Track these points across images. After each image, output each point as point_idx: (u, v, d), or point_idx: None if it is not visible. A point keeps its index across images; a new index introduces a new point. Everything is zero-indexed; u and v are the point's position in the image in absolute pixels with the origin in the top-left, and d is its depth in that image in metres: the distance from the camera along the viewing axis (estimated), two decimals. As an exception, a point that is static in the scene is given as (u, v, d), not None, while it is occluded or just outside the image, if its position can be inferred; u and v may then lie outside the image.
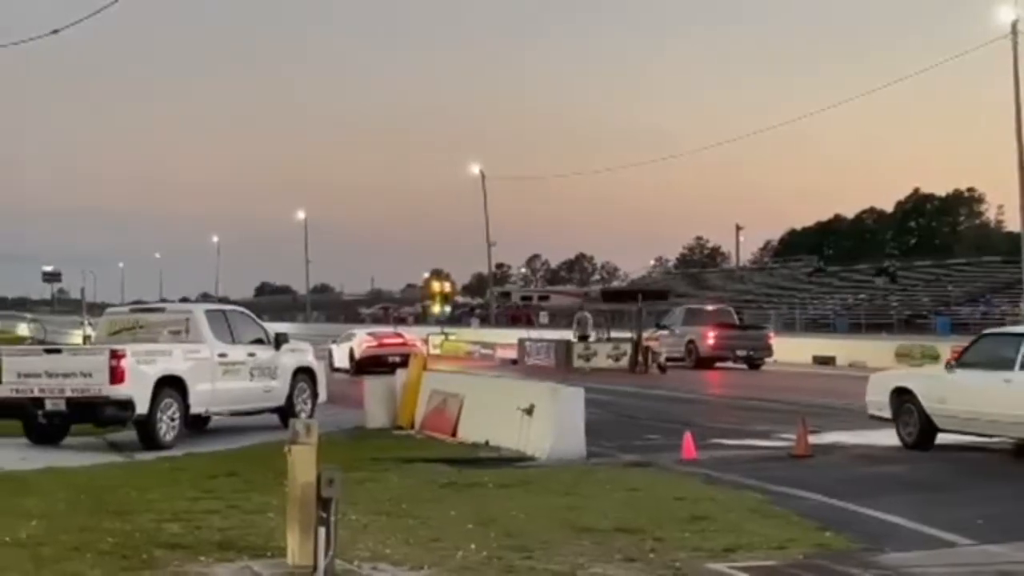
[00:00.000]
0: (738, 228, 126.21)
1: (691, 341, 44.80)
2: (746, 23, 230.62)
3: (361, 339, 42.46)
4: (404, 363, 37.03)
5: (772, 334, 47.08)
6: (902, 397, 18.60)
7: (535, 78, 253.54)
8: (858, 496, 13.49)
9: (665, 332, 45.75)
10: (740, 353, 44.47)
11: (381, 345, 41.92)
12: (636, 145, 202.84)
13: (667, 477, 15.32)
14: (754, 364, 44.32)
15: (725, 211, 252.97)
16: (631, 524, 11.72)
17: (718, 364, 43.90)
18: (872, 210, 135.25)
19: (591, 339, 45.53)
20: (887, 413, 18.91)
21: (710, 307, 51.27)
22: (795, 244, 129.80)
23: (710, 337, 44.38)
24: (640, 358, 41.49)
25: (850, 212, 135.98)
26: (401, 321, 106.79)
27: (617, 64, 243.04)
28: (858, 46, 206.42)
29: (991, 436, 17.64)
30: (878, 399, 19.16)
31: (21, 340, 70.32)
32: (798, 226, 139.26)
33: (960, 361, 18.09)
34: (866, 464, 17.03)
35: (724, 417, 24.13)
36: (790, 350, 48.05)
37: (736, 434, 20.69)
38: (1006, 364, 16.85)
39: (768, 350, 44.99)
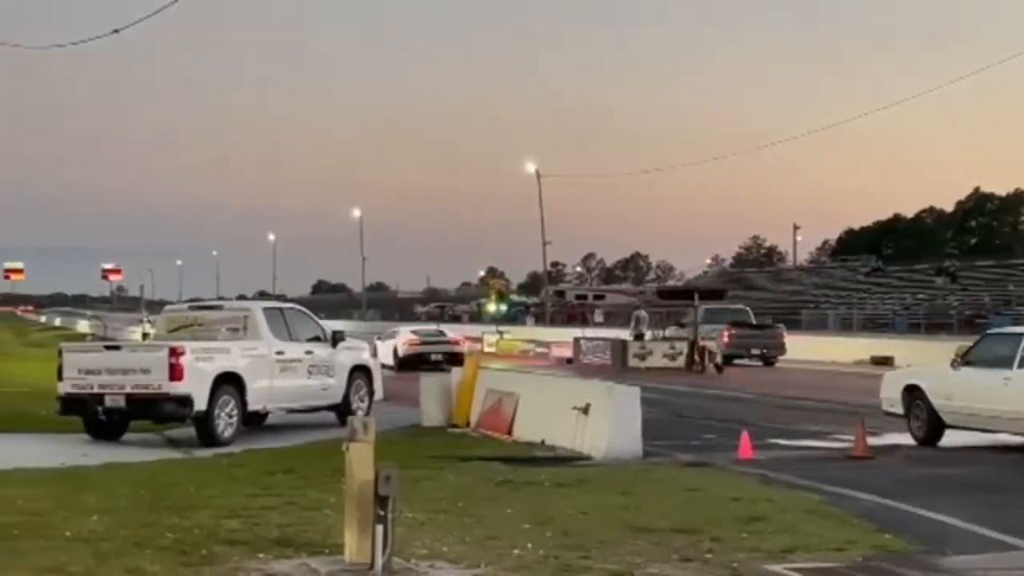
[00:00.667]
0: (795, 227, 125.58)
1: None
2: (804, 24, 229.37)
3: (405, 337, 42.80)
4: (447, 360, 39.48)
5: (785, 333, 48.34)
6: (913, 394, 19.34)
7: (592, 76, 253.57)
8: (916, 498, 13.38)
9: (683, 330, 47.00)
10: (754, 351, 46.35)
11: (424, 343, 42.49)
12: (693, 144, 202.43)
13: (724, 477, 15.25)
14: (768, 361, 45.80)
15: (782, 210, 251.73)
16: (688, 524, 11.68)
17: (736, 361, 44.88)
18: (931, 209, 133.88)
19: (647, 338, 45.44)
20: (899, 409, 19.63)
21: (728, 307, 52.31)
22: (853, 244, 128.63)
23: (725, 336, 45.71)
24: (696, 357, 41.34)
25: (909, 211, 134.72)
26: (456, 319, 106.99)
27: (676, 63, 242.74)
28: (918, 45, 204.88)
29: (993, 431, 18.25)
30: (891, 396, 19.96)
31: (81, 337, 71.07)
32: (856, 225, 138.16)
33: (965, 359, 18.77)
34: (924, 466, 16.90)
35: (781, 417, 23.99)
36: (848, 350, 47.76)
37: (793, 434, 20.59)
38: (1006, 362, 17.71)
39: (781, 348, 46.45)
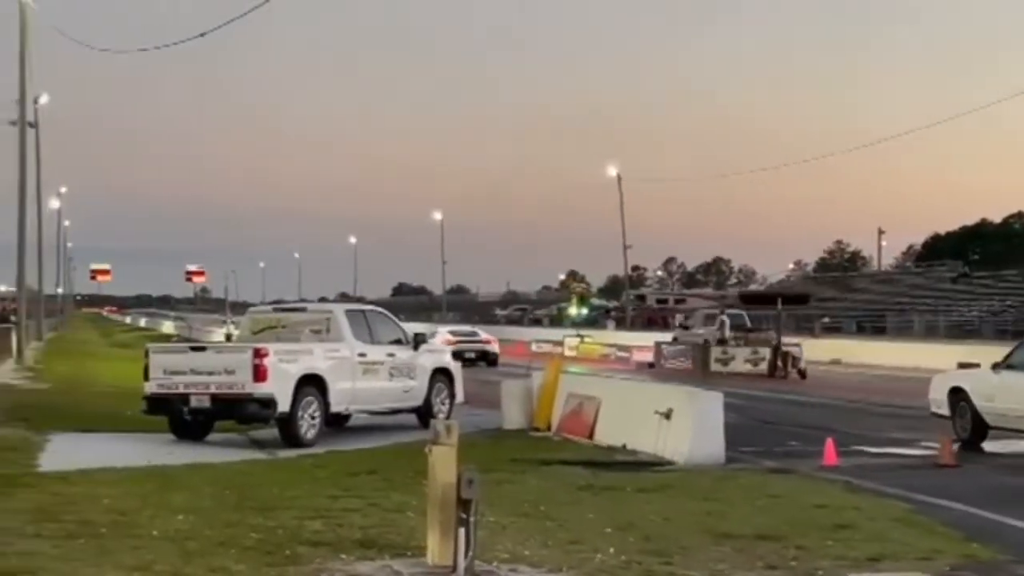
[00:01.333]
0: (880, 232, 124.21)
1: (707, 341, 47.82)
2: (888, 30, 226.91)
3: (442, 336, 44.37)
4: (479, 358, 46.10)
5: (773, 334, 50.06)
6: (958, 396, 19.94)
7: (674, 81, 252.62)
8: (1005, 507, 13.19)
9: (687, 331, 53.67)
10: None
11: (460, 342, 45.68)
12: (777, 147, 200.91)
13: (808, 484, 15.10)
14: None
15: (867, 215, 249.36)
16: (772, 531, 11.57)
17: None
18: (1020, 214, 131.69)
19: (729, 343, 45.20)
20: (945, 411, 20.23)
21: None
22: (939, 249, 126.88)
23: (728, 332, 48.49)
24: (779, 362, 41.03)
25: (997, 216, 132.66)
26: (536, 323, 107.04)
27: (759, 65, 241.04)
28: (1001, 49, 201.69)
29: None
30: (938, 397, 20.64)
31: (166, 337, 71.91)
32: (942, 230, 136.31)
33: (1006, 363, 19.30)
34: (1012, 474, 16.65)
35: (865, 423, 23.73)
36: (933, 356, 47.04)
37: (878, 441, 20.35)
38: None
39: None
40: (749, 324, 52.66)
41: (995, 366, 19.36)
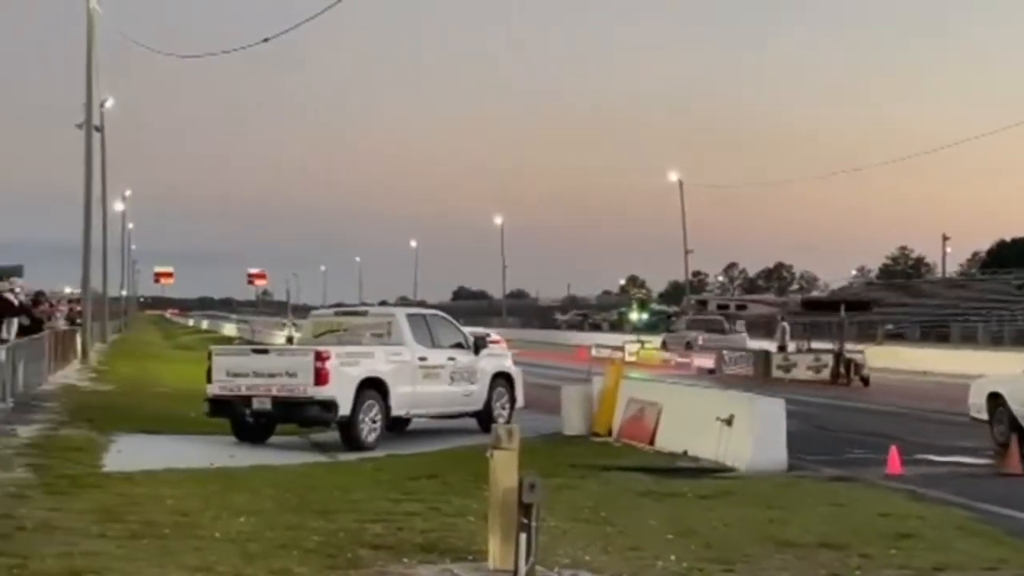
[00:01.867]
0: (944, 238, 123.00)
1: (688, 343, 58.15)
2: (945, 33, 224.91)
3: None
4: None
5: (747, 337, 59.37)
6: (996, 401, 20.36)
7: (735, 86, 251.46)
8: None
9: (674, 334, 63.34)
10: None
11: None
12: (839, 153, 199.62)
13: (872, 492, 14.98)
14: None
15: (931, 221, 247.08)
16: (835, 539, 11.48)
17: None
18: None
19: (789, 349, 44.93)
20: (984, 415, 20.66)
21: (707, 317, 68.16)
22: (1004, 255, 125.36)
23: (700, 339, 58.43)
24: (842, 369, 40.72)
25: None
26: (596, 328, 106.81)
27: (821, 73, 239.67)
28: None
29: None
30: (977, 402, 21.03)
31: (228, 340, 72.40)
32: (1007, 237, 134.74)
33: None
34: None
35: (929, 432, 23.47)
36: (998, 363, 46.44)
37: (942, 449, 20.11)
38: None
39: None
40: (726, 328, 61.48)
41: None
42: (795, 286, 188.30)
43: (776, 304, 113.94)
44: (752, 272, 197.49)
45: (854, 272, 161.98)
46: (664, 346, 60.36)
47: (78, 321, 42.42)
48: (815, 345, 45.35)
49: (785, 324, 47.81)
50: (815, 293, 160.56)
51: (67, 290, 60.31)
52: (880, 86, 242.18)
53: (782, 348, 45.25)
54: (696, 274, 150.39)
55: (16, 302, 25.36)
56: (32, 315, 26.85)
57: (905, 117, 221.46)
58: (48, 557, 9.56)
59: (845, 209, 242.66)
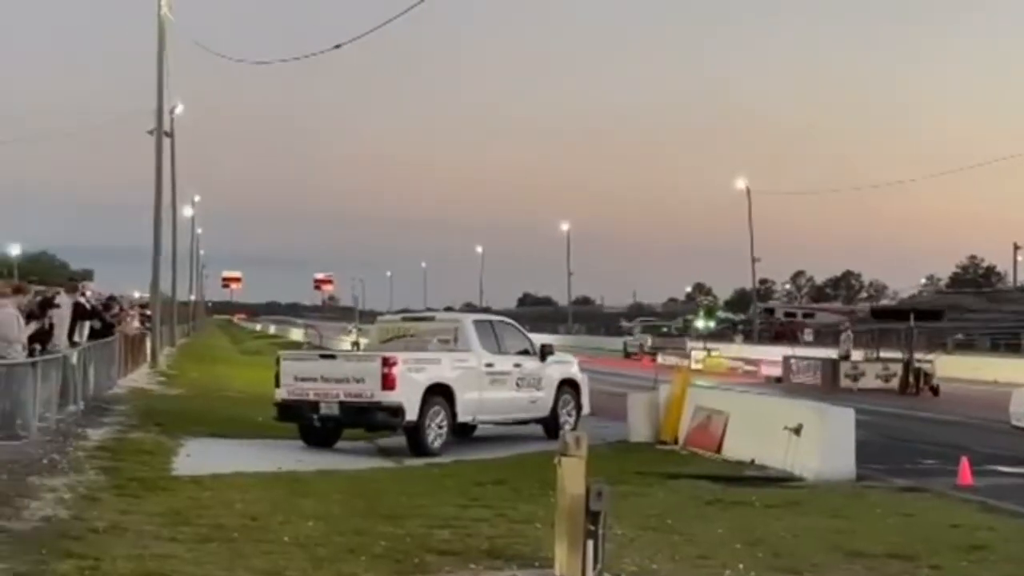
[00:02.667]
0: (1016, 247, 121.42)
1: (641, 344, 73.07)
2: (1009, 36, 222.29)
3: None
4: None
5: (688, 340, 71.85)
6: None
7: (799, 94, 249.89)
8: None
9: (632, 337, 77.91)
10: (669, 352, 64.65)
11: None
12: (908, 160, 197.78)
13: (942, 503, 14.82)
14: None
15: (1002, 230, 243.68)
16: (905, 550, 11.37)
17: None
18: None
19: (852, 357, 44.57)
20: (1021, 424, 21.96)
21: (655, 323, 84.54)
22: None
23: (648, 341, 73.76)
24: (911, 379, 40.32)
25: None
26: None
27: (890, 81, 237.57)
28: None
29: None
30: (1018, 411, 22.50)
31: (295, 344, 72.86)
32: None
33: None
34: None
35: (1001, 442, 23.17)
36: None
37: (1014, 460, 19.85)
38: None
39: (685, 352, 63.18)
40: (674, 331, 77.58)
41: None
42: (863, 294, 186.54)
43: (844, 312, 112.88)
44: (820, 280, 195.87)
45: (923, 280, 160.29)
46: (625, 349, 75.01)
47: (148, 325, 42.82)
48: (883, 354, 44.96)
49: (849, 332, 47.41)
50: (884, 301, 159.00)
51: (136, 294, 60.93)
52: (951, 94, 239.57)
53: (845, 357, 44.89)
54: (763, 282, 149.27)
55: (88, 306, 25.65)
56: (104, 319, 27.15)
57: (976, 125, 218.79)
58: (119, 559, 9.65)
59: (915, 217, 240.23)
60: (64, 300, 21.91)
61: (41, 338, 19.43)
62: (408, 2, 25.89)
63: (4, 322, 16.85)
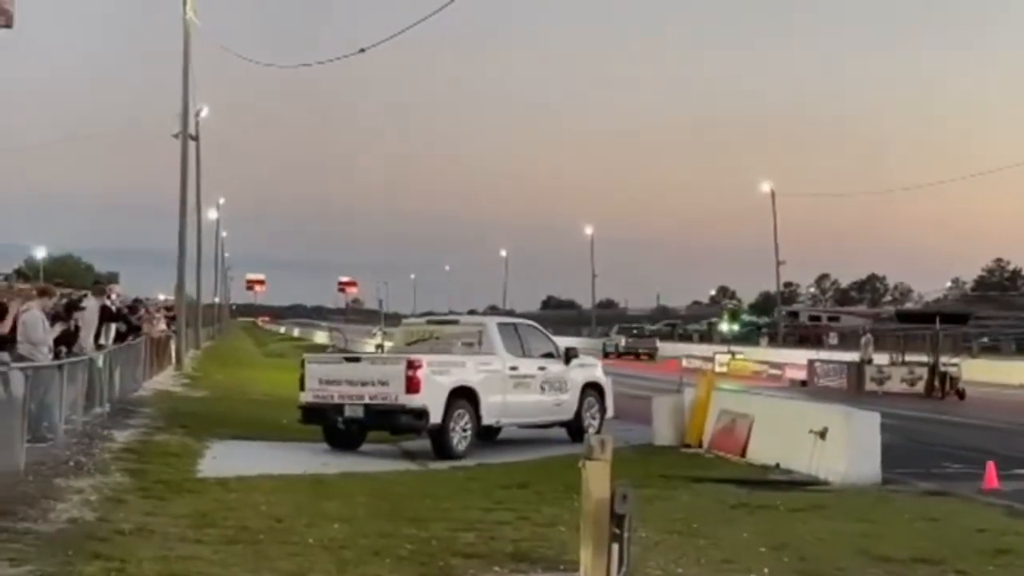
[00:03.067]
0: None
1: (616, 344, 79.87)
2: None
3: None
4: None
5: (658, 341, 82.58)
6: None
7: (826, 95, 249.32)
8: None
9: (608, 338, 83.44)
10: (640, 351, 77.22)
11: None
12: (933, 164, 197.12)
13: (968, 507, 14.75)
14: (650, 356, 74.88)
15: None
16: (931, 555, 11.32)
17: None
18: None
19: (873, 361, 44.43)
20: None
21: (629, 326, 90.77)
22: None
23: (623, 340, 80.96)
24: (937, 382, 40.16)
25: None
26: (686, 338, 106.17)
27: (916, 84, 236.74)
28: None
29: None
30: None
31: (320, 347, 72.94)
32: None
33: None
34: None
35: (1026, 446, 23.06)
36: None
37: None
38: None
39: (654, 350, 77.54)
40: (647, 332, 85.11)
41: None
42: (888, 297, 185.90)
43: (869, 315, 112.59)
44: (844, 283, 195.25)
45: (948, 284, 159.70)
46: (604, 348, 76.86)
47: (172, 328, 42.95)
48: (909, 358, 44.78)
49: (869, 336, 47.26)
50: (909, 305, 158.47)
51: (161, 297, 61.07)
52: (976, 98, 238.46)
53: (868, 361, 44.75)
54: (787, 285, 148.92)
55: (114, 308, 25.74)
56: (129, 322, 27.25)
57: (1005, 127, 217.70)
58: (145, 561, 9.69)
59: (941, 220, 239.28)
60: (91, 303, 21.99)
61: (67, 340, 19.51)
62: (431, 6, 25.93)
63: (30, 324, 16.92)
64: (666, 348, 79.62)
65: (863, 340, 46.89)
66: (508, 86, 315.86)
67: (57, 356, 17.77)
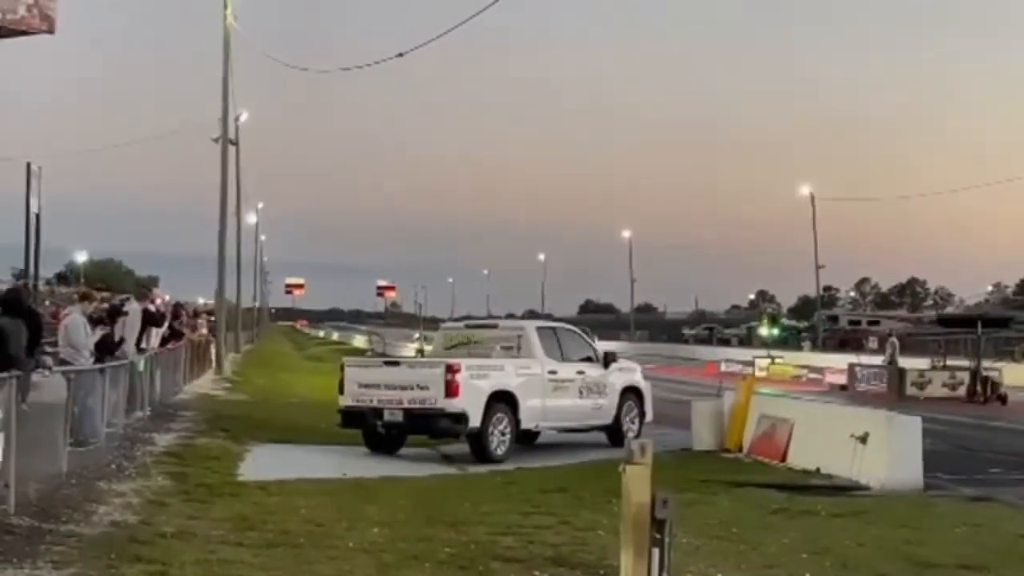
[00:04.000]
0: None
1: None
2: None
3: None
4: None
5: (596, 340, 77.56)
6: None
7: (865, 99, 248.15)
8: None
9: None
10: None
11: None
12: (976, 167, 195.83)
13: (1011, 513, 14.66)
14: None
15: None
16: (974, 561, 11.24)
17: None
18: None
19: (899, 364, 44.22)
20: None
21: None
22: None
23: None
24: (979, 387, 39.87)
25: None
26: (725, 343, 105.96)
27: (959, 88, 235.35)
28: None
29: None
30: None
31: (359, 351, 73.16)
32: None
33: None
34: None
35: (1070, 452, 22.86)
36: None
37: (1085, 471, 19.58)
38: None
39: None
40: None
41: None
42: (929, 302, 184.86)
43: (910, 320, 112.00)
44: (885, 287, 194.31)
45: (990, 288, 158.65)
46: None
47: (213, 332, 43.15)
48: (950, 362, 44.48)
49: (894, 340, 47.00)
50: (950, 309, 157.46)
51: (200, 301, 61.36)
52: (1019, 102, 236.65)
53: (891, 363, 44.57)
54: (827, 289, 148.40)
55: (158, 313, 25.87)
56: (172, 327, 27.38)
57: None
58: (187, 564, 9.73)
59: (982, 224, 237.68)
60: (134, 307, 22.11)
61: (108, 345, 19.63)
62: (469, 10, 25.98)
63: (72, 328, 17.04)
64: (704, 352, 79.37)
65: (889, 344, 46.64)
66: (548, 90, 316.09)
67: (99, 360, 17.88)
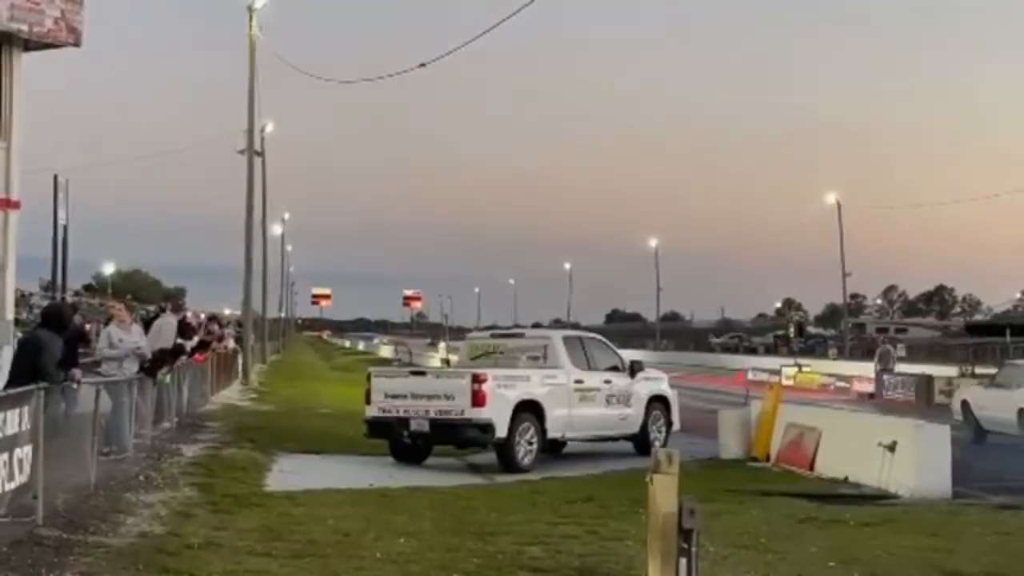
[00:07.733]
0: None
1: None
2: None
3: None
4: None
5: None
6: (966, 406, 27.52)
7: (892, 105, 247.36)
8: None
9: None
10: None
11: None
12: (1004, 174, 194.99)
13: (1042, 521, 14.51)
14: None
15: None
16: (1004, 570, 11.17)
17: None
18: None
19: (896, 370, 44.15)
20: (960, 417, 27.21)
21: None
22: None
23: None
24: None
25: None
26: (751, 351, 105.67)
27: (989, 95, 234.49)
28: None
29: (1000, 432, 25.57)
30: (956, 407, 27.95)
31: (385, 361, 73.28)
32: None
33: (993, 382, 27.74)
34: None
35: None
36: None
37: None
38: (1013, 383, 26.03)
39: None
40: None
41: (986, 384, 27.98)
42: (956, 309, 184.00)
43: (937, 327, 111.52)
44: (912, 295, 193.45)
45: (1018, 295, 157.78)
46: None
47: (240, 342, 43.27)
48: (979, 370, 44.25)
49: (889, 347, 46.88)
50: (978, 317, 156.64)
51: (227, 311, 61.55)
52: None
53: (886, 371, 44.53)
54: (854, 297, 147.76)
55: (193, 324, 25.98)
56: (201, 338, 27.47)
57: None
58: (214, 575, 9.75)
59: (1010, 231, 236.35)
60: (169, 319, 22.21)
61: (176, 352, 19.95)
62: (492, 19, 26.02)
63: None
64: (731, 360, 79.10)
65: (884, 351, 46.60)
66: (573, 99, 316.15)
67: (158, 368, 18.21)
